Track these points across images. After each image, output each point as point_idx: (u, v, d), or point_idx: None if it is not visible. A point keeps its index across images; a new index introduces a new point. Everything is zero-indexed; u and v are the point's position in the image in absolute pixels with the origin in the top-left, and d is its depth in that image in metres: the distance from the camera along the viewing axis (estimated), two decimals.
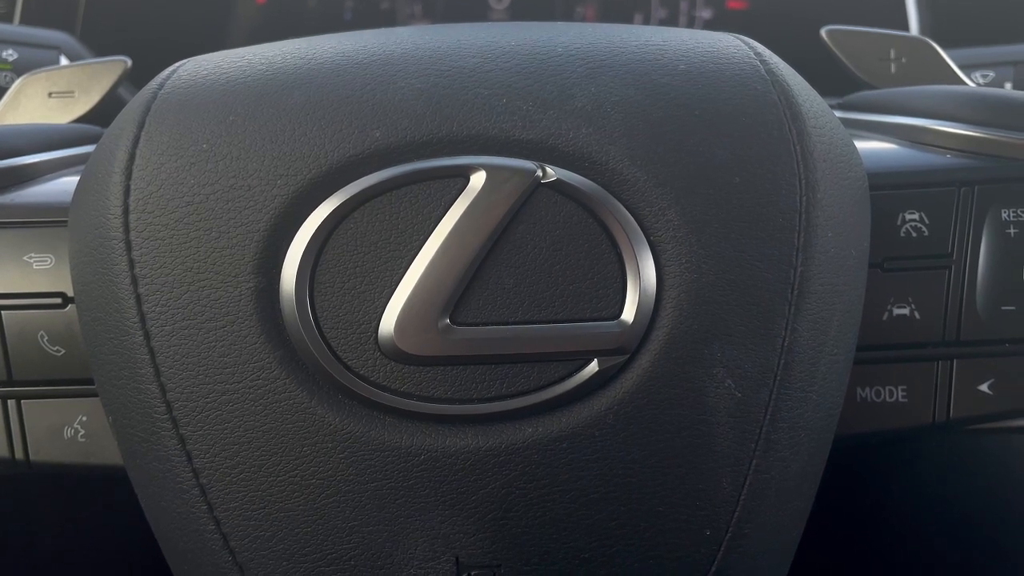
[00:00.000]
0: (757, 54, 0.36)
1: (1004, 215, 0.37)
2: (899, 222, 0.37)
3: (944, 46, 0.53)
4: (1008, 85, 0.57)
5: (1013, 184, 0.37)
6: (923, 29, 0.86)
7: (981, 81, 0.57)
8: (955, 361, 0.38)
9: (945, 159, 0.38)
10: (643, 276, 0.33)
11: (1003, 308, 0.37)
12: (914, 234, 0.37)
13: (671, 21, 1.01)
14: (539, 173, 0.33)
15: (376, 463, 0.33)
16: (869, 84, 0.49)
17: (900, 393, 0.38)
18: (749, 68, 0.35)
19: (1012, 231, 0.37)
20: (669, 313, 0.33)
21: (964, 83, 0.48)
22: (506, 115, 0.33)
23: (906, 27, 0.85)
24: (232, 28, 1.01)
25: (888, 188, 0.38)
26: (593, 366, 0.33)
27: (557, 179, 0.33)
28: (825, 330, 0.34)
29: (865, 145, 0.40)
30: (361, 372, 0.33)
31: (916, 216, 0.37)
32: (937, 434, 0.38)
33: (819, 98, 0.36)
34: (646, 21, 1.02)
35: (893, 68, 0.49)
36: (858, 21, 0.97)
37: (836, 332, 0.34)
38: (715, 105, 0.34)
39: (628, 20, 1.02)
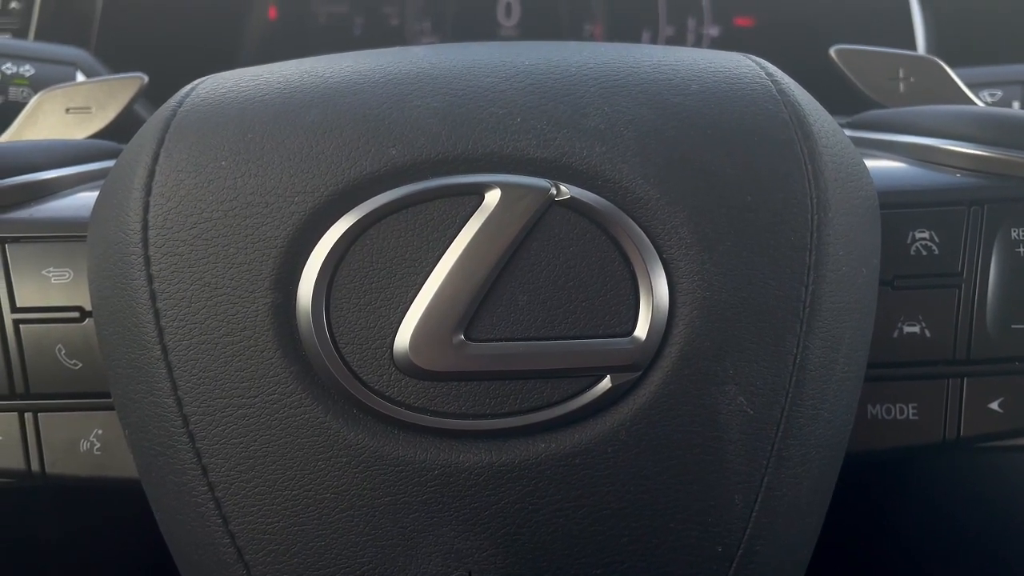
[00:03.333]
0: (769, 74, 0.36)
1: (1014, 234, 0.38)
2: (909, 240, 0.38)
3: (951, 64, 0.53)
4: (1016, 104, 0.57)
5: (1023, 203, 0.38)
6: (929, 47, 0.86)
7: (989, 100, 0.57)
8: (965, 379, 0.38)
9: (955, 178, 0.39)
10: (656, 293, 0.33)
11: (1013, 327, 0.37)
12: (924, 252, 0.38)
13: (679, 38, 1.02)
14: (553, 191, 0.33)
15: (390, 478, 0.33)
16: (877, 103, 0.49)
17: (911, 411, 0.38)
18: (760, 88, 0.35)
19: (1022, 250, 0.37)
20: (682, 330, 0.33)
21: (972, 102, 0.49)
22: (521, 134, 0.33)
23: (913, 45, 0.86)
24: (245, 44, 1.02)
25: (898, 206, 0.38)
26: (606, 382, 0.33)
27: (571, 197, 0.33)
28: (836, 347, 0.34)
29: (875, 164, 0.41)
30: (376, 387, 0.33)
31: (926, 234, 0.38)
32: (947, 452, 0.38)
33: (830, 117, 0.37)
34: (654, 38, 1.03)
35: (902, 87, 0.49)
36: (864, 38, 0.98)
37: (847, 349, 0.35)
38: (727, 124, 0.34)
39: (636, 37, 1.03)
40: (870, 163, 0.40)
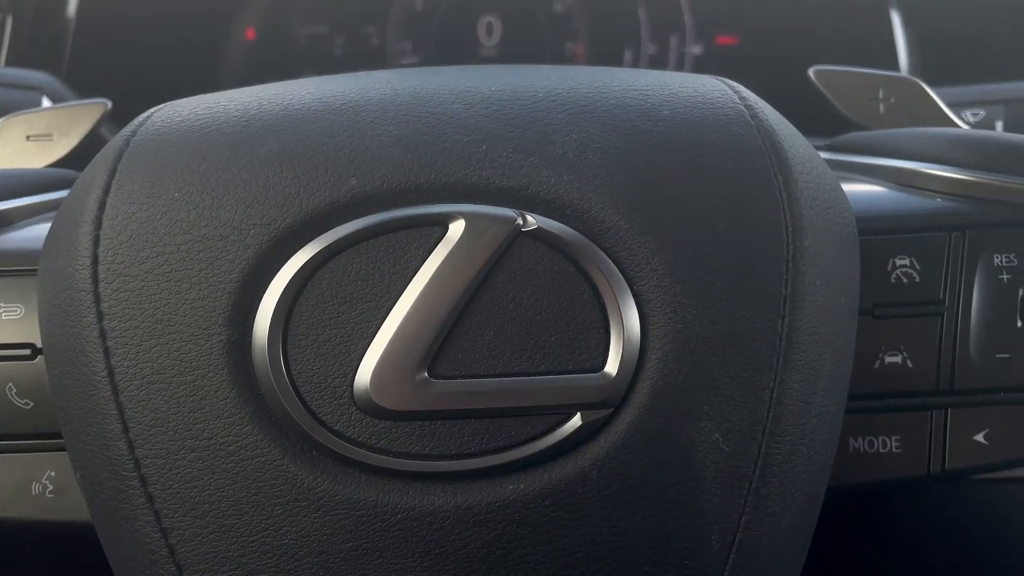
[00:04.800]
0: (742, 98, 0.35)
1: (997, 260, 0.36)
2: (889, 268, 0.37)
3: (933, 84, 0.52)
4: (999, 123, 0.56)
5: (1006, 229, 0.37)
6: (912, 67, 0.86)
7: (971, 120, 0.56)
8: (949, 410, 0.37)
9: (936, 203, 0.38)
10: (627, 326, 0.32)
11: (997, 356, 0.36)
12: (905, 280, 0.37)
13: (661, 57, 1.01)
14: (519, 221, 0.32)
15: (351, 522, 0.31)
16: (858, 124, 0.48)
17: (894, 443, 0.37)
18: (733, 113, 0.34)
19: (1005, 277, 0.36)
20: (654, 365, 0.32)
21: (953, 123, 0.48)
22: (486, 162, 0.32)
23: (896, 64, 0.85)
24: (224, 66, 1.01)
25: (878, 233, 0.37)
26: (576, 420, 0.32)
27: (538, 227, 0.32)
28: (815, 380, 0.33)
29: (854, 188, 0.39)
30: (336, 428, 0.31)
31: (907, 262, 0.37)
32: (932, 485, 0.37)
33: (805, 142, 0.36)
34: (636, 57, 1.02)
35: (882, 108, 0.48)
36: (847, 58, 0.97)
37: (826, 382, 0.34)
38: (699, 151, 0.33)
39: (618, 56, 1.02)
40: (849, 188, 0.39)
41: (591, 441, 0.32)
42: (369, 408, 0.31)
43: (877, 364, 0.36)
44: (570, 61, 1.03)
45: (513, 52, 1.03)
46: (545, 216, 0.32)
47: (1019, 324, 0.36)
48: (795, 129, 0.36)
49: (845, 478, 0.37)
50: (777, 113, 0.36)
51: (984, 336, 0.36)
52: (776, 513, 0.33)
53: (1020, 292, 0.36)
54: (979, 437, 0.36)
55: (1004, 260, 0.36)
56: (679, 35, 1.04)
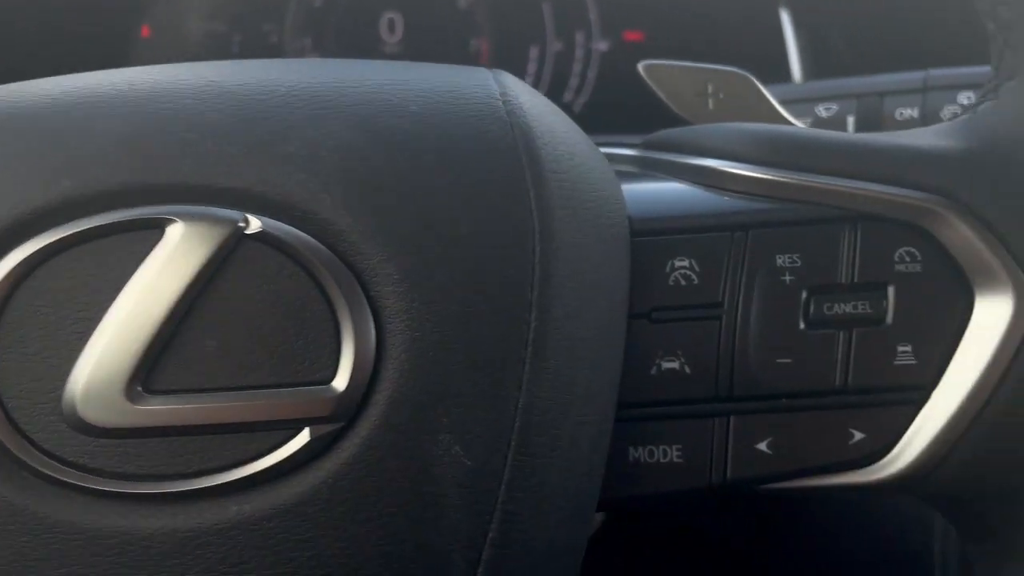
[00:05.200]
0: (504, 93, 0.33)
1: (779, 261, 0.35)
2: (668, 270, 0.35)
3: (815, 77, 0.51)
4: (850, 118, 0.55)
5: (790, 228, 0.35)
6: (804, 62, 0.85)
7: (824, 115, 0.55)
8: (731, 418, 0.35)
9: (722, 202, 0.36)
10: (360, 336, 0.30)
11: (779, 361, 0.35)
12: (683, 282, 0.35)
13: (567, 54, 1.00)
14: (241, 224, 0.30)
15: (64, 547, 0.29)
16: (687, 121, 0.47)
17: (675, 453, 0.35)
18: (487, 109, 0.32)
19: (788, 278, 0.35)
20: (390, 376, 0.30)
21: (784, 118, 0.46)
22: (211, 162, 0.30)
23: (786, 61, 0.84)
24: (119, 64, 0.98)
25: (657, 234, 0.35)
26: (304, 436, 0.30)
27: (263, 230, 0.30)
28: (570, 389, 0.31)
29: (641, 188, 0.38)
30: (45, 447, 0.29)
31: (686, 263, 0.35)
32: (716, 496, 0.35)
33: (574, 140, 0.34)
34: (542, 54, 1.01)
35: (711, 104, 0.47)
36: (747, 53, 0.96)
37: (584, 391, 0.32)
38: (444, 149, 0.31)
39: (524, 53, 1.01)
40: (635, 187, 0.37)
41: (321, 458, 0.30)
42: (78, 425, 0.29)
43: (654, 370, 0.35)
44: (475, 58, 1.02)
45: (416, 49, 1.01)
46: (274, 218, 0.30)
47: (801, 327, 0.35)
48: (568, 126, 0.35)
49: (624, 489, 0.35)
50: (548, 108, 0.34)
51: (765, 341, 0.35)
52: (528, 530, 0.31)
53: (803, 294, 0.35)
54: (762, 446, 0.35)
55: (787, 261, 0.35)
56: (585, 31, 1.03)
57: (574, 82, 1.00)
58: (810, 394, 0.35)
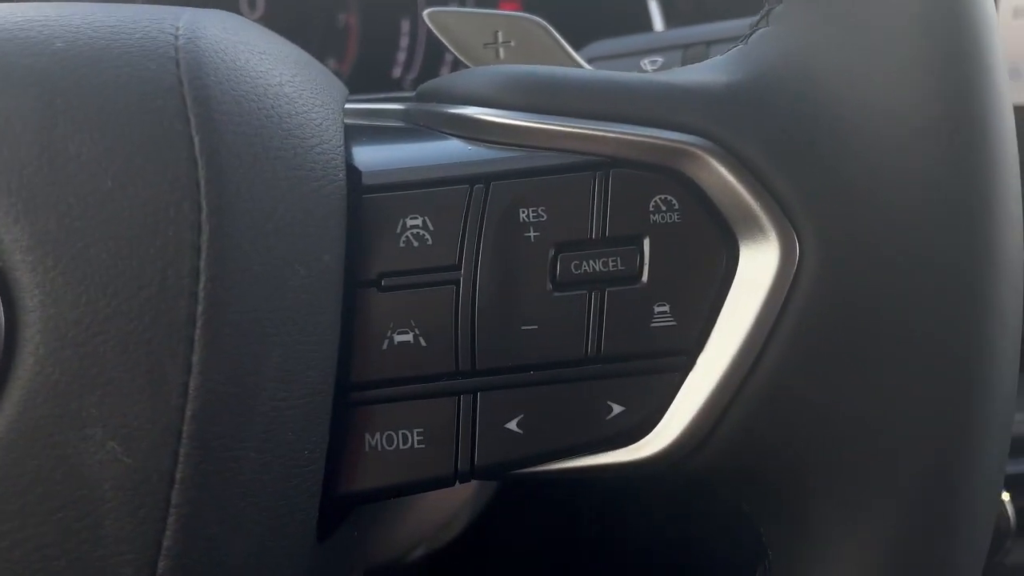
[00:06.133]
0: (182, 27, 0.29)
1: (523, 216, 0.31)
2: (399, 230, 0.31)
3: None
4: None
5: (534, 179, 0.31)
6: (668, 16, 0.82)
7: (649, 68, 0.51)
8: (478, 395, 0.31)
9: (464, 151, 0.32)
10: None
11: (524, 328, 0.31)
12: (416, 243, 0.31)
13: None
14: None
15: None
16: None
17: (416, 438, 0.31)
18: (150, 44, 0.28)
19: (532, 235, 0.31)
20: (27, 361, 0.25)
21: (579, 65, 0.42)
22: None
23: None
24: None
25: (390, 189, 0.31)
26: None
27: None
28: (258, 371, 0.27)
29: (383, 140, 0.33)
30: None
31: (418, 221, 0.31)
32: (463, 483, 0.31)
33: (268, 81, 0.29)
34: (413, 27, 0.96)
35: (502, 53, 0.42)
36: (623, 18, 0.92)
37: (280, 371, 0.27)
38: (83, 92, 0.26)
39: (395, 27, 0.96)
40: (386, 139, 0.33)
41: None
42: None
43: (386, 345, 0.30)
44: (343, 33, 0.97)
45: (280, 25, 0.96)
46: None
47: (549, 289, 0.31)
48: (276, 65, 0.30)
49: (365, 481, 0.31)
50: (246, 47, 0.30)
51: (508, 306, 0.31)
52: (215, 537, 0.27)
53: (550, 252, 0.31)
54: (512, 425, 0.31)
55: (531, 215, 0.31)
56: (457, 3, 0.99)
57: (450, 56, 0.96)
58: (560, 364, 0.31)
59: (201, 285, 0.26)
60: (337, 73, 0.95)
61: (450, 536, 0.49)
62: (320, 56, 0.96)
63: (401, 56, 0.98)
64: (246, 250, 0.27)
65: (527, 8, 0.96)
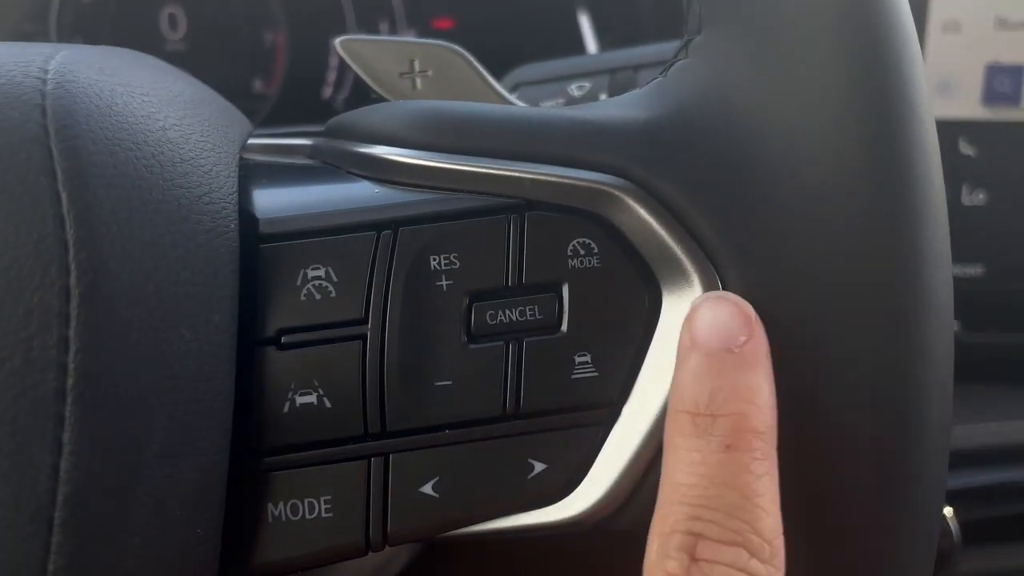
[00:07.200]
0: (51, 70, 0.26)
1: (434, 263, 0.29)
2: (300, 282, 0.28)
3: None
4: (603, 95, 0.50)
5: (445, 224, 0.29)
6: (601, 38, 0.81)
7: (577, 93, 0.50)
8: (389, 458, 0.29)
9: (370, 195, 0.30)
10: None
11: (437, 384, 0.29)
12: (318, 296, 0.28)
13: None
14: None
15: None
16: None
17: (323, 506, 0.29)
18: (13, 92, 0.25)
19: (445, 283, 0.29)
20: None
21: (500, 96, 0.41)
22: None
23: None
24: None
25: (289, 237, 0.29)
26: None
27: None
28: (137, 447, 0.25)
29: (287, 183, 0.31)
30: None
31: (321, 272, 0.28)
32: (374, 553, 0.29)
33: (149, 127, 0.27)
34: None
35: (418, 83, 0.41)
36: (553, 39, 0.91)
37: (162, 446, 0.25)
38: None
39: (323, 46, 0.94)
40: (290, 182, 0.31)
41: None
42: None
43: (287, 407, 0.28)
44: (270, 53, 0.94)
45: (202, 46, 0.93)
46: None
47: (464, 340, 0.29)
48: (159, 108, 0.28)
49: (268, 554, 0.29)
50: (125, 88, 0.27)
51: (419, 361, 0.29)
52: None
53: (464, 302, 0.29)
54: (427, 489, 0.29)
55: (443, 263, 0.29)
56: (389, 20, 0.96)
57: None
58: (477, 422, 0.29)
59: (71, 356, 0.23)
60: (264, 95, 0.92)
61: None
62: (246, 77, 0.93)
63: (331, 76, 0.96)
64: (122, 316, 0.24)
65: (460, 27, 0.95)
